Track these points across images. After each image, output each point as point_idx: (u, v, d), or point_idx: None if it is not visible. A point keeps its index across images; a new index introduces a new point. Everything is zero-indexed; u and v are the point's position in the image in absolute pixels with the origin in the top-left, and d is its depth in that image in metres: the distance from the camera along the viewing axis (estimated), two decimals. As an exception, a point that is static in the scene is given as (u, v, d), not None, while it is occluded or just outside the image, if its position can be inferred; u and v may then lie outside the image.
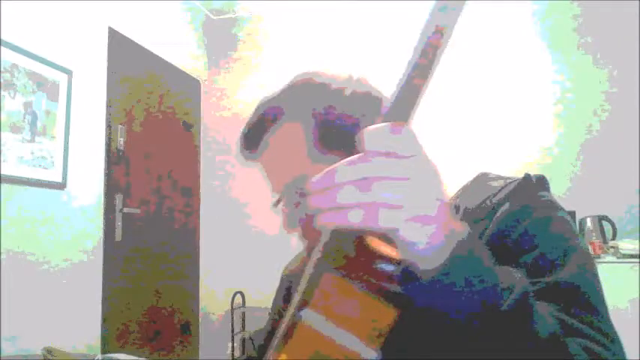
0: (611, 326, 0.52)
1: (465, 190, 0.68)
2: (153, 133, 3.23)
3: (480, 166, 0.78)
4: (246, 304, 3.50)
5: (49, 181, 2.37)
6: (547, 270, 0.54)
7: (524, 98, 3.20)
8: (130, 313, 2.92)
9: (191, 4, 3.73)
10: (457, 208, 0.64)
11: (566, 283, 0.53)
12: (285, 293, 0.88)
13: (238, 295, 3.47)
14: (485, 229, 0.59)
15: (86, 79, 2.64)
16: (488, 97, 3.22)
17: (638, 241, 2.58)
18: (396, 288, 0.45)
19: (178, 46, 3.56)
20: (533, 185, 0.61)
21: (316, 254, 0.49)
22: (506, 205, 0.59)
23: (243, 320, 3.51)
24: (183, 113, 3.60)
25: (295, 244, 0.70)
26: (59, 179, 2.43)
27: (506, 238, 0.57)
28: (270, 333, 0.90)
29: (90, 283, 2.62)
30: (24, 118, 2.24)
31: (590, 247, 2.27)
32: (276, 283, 0.95)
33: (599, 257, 2.61)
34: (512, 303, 0.42)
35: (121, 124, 2.90)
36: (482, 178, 0.67)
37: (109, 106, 2.81)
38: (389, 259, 0.47)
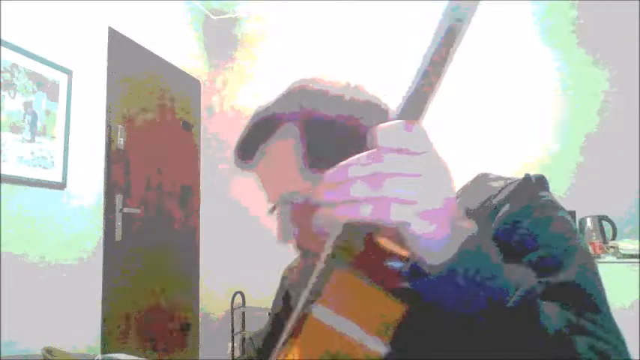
0: (614, 325, 0.53)
1: (465, 191, 0.68)
2: (153, 133, 3.23)
3: (480, 166, 0.78)
4: (246, 304, 3.50)
5: (49, 181, 2.37)
6: (549, 270, 0.54)
7: (524, 98, 3.20)
8: (130, 313, 2.92)
9: (191, 4, 3.73)
10: None
11: (569, 283, 0.53)
12: (285, 294, 0.88)
13: (238, 295, 3.47)
14: (487, 229, 0.59)
15: (86, 79, 2.64)
16: (488, 97, 3.22)
17: (638, 241, 2.58)
18: (404, 284, 0.46)
19: (178, 46, 3.56)
20: (533, 185, 0.61)
21: (327, 250, 0.50)
22: (507, 206, 0.59)
23: (243, 320, 3.51)
24: (183, 113, 3.60)
25: (295, 244, 0.70)
26: (59, 179, 2.43)
27: (508, 239, 0.57)
28: (271, 334, 0.90)
29: (90, 283, 2.62)
30: (24, 118, 2.24)
31: (590, 247, 2.27)
32: (276, 283, 0.95)
33: (599, 257, 2.61)
34: (518, 300, 0.43)
35: (120, 124, 2.90)
36: (483, 179, 0.67)
37: (108, 106, 2.81)
38: (398, 256, 0.48)
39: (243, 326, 3.51)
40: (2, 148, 2.12)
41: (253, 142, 0.66)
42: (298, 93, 0.66)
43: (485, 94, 3.22)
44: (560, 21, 3.20)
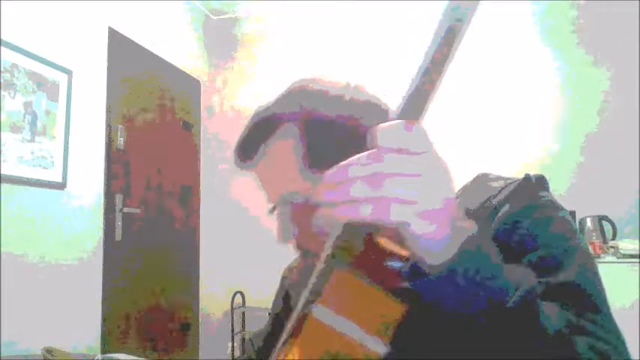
0: (614, 325, 0.53)
1: (465, 191, 0.68)
2: (153, 133, 3.23)
3: (480, 166, 0.78)
4: (246, 304, 3.50)
5: (49, 181, 2.36)
6: (549, 270, 0.54)
7: (524, 98, 3.20)
8: (130, 313, 2.92)
9: (191, 4, 3.73)
10: None
11: (569, 283, 0.53)
12: (285, 294, 0.88)
13: (238, 295, 3.47)
14: (487, 229, 0.59)
15: (86, 79, 2.64)
16: (488, 97, 3.22)
17: (638, 241, 2.58)
18: (404, 284, 0.46)
19: (178, 46, 3.56)
20: (533, 185, 0.61)
21: (327, 250, 0.50)
22: (507, 206, 0.59)
23: (243, 320, 3.51)
24: (183, 113, 3.60)
25: (296, 244, 0.70)
26: (59, 179, 2.43)
27: (508, 239, 0.57)
28: (271, 334, 0.90)
29: (90, 283, 2.62)
30: (24, 118, 2.24)
31: (590, 247, 2.27)
32: (276, 283, 0.95)
33: (599, 257, 2.61)
34: (518, 300, 0.43)
35: (121, 124, 2.90)
36: (482, 179, 0.67)
37: (108, 105, 2.81)
38: (398, 256, 0.48)
39: (243, 326, 3.51)
40: (2, 148, 2.12)
41: (253, 142, 0.66)
42: (298, 93, 0.66)
43: (485, 94, 3.22)
44: (560, 21, 3.20)
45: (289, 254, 0.93)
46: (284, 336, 0.54)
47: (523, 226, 0.57)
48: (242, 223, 3.54)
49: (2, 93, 2.13)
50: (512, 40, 3.23)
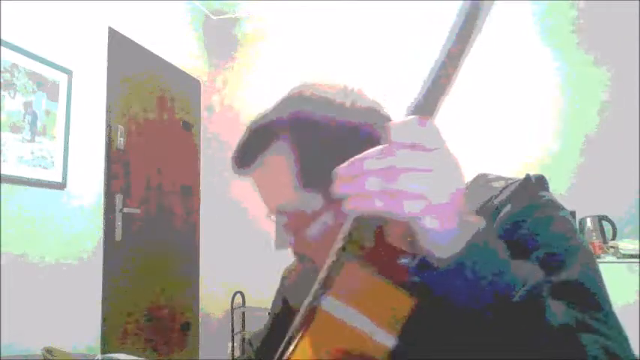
0: (617, 322, 0.54)
1: (466, 191, 0.68)
2: (153, 133, 3.23)
3: (480, 166, 0.78)
4: (246, 304, 3.50)
5: (49, 181, 2.36)
6: (552, 269, 0.54)
7: (524, 98, 3.20)
8: (130, 313, 2.92)
9: (191, 4, 3.73)
10: None
11: (572, 282, 0.54)
12: (285, 296, 0.88)
13: (238, 295, 3.47)
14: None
15: (86, 79, 2.64)
16: (488, 97, 3.22)
17: (638, 241, 2.58)
18: (413, 277, 0.47)
19: (178, 46, 3.56)
20: (534, 185, 0.62)
21: (338, 243, 0.51)
22: (509, 206, 0.60)
23: (243, 320, 3.51)
24: (183, 113, 3.60)
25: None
26: (59, 179, 2.43)
27: (510, 238, 0.57)
28: (270, 334, 0.90)
29: (90, 283, 2.61)
30: (24, 118, 2.24)
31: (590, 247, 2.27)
32: (276, 284, 0.95)
33: (599, 257, 2.61)
34: (524, 295, 0.44)
35: (121, 124, 2.90)
36: (483, 179, 0.67)
37: (108, 105, 2.81)
38: (407, 250, 0.49)
39: (243, 326, 3.51)
40: (2, 148, 2.12)
41: (250, 152, 0.67)
42: (295, 104, 0.65)
43: (485, 94, 3.22)
44: (560, 21, 3.20)
45: (289, 255, 0.93)
46: (291, 329, 0.54)
47: (525, 226, 0.58)
48: (242, 223, 3.54)
49: (2, 93, 2.13)
50: (512, 40, 3.23)
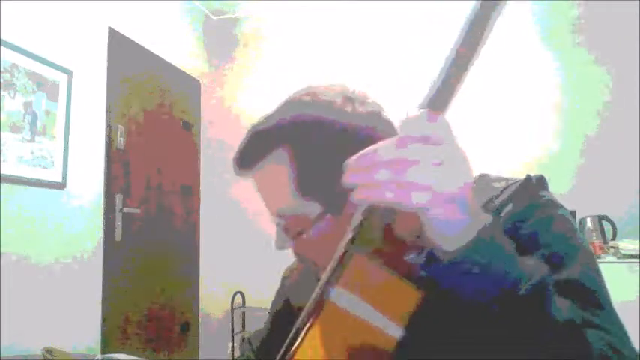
0: (619, 319, 0.54)
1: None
2: (153, 133, 3.23)
3: (480, 167, 0.78)
4: (246, 304, 3.50)
5: (49, 181, 2.36)
6: (553, 268, 0.55)
7: (524, 98, 3.20)
8: (130, 313, 2.92)
9: (191, 4, 3.73)
10: None
11: (573, 281, 0.54)
12: (286, 296, 0.88)
13: (238, 295, 3.47)
14: None
15: (86, 79, 2.64)
16: (488, 98, 3.22)
17: (638, 241, 2.58)
18: (420, 270, 0.48)
19: (178, 46, 3.56)
20: (534, 185, 0.63)
21: (347, 235, 0.51)
22: (510, 206, 0.60)
23: (243, 320, 3.51)
24: (183, 113, 3.60)
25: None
26: (59, 179, 2.43)
27: (511, 238, 0.58)
28: (269, 333, 0.90)
29: (90, 283, 2.62)
30: (24, 118, 2.24)
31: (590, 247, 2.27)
32: (276, 284, 0.95)
33: (599, 257, 2.61)
34: (529, 289, 0.44)
35: (121, 124, 2.90)
36: (483, 179, 0.67)
37: (108, 105, 2.81)
38: (415, 242, 0.49)
39: (243, 326, 3.51)
40: (2, 148, 2.12)
41: (250, 156, 0.67)
42: (294, 116, 0.65)
43: (485, 94, 3.22)
44: (560, 21, 3.20)
45: (289, 255, 0.93)
46: (299, 320, 0.55)
47: (525, 226, 0.58)
48: (242, 223, 3.54)
49: (2, 93, 2.13)
50: (512, 40, 3.23)
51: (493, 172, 0.69)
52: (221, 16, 3.93)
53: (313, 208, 0.63)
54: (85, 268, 2.57)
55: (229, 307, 3.46)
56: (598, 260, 2.51)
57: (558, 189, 0.82)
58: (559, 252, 0.56)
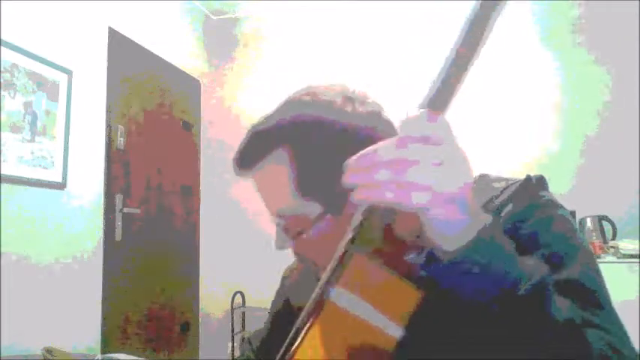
0: (619, 319, 0.54)
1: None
2: (153, 133, 3.23)
3: (480, 167, 0.78)
4: (246, 304, 3.50)
5: (49, 181, 2.36)
6: (552, 268, 0.55)
7: (524, 98, 3.20)
8: (130, 313, 2.92)
9: (191, 4, 3.73)
10: None
11: (573, 281, 0.54)
12: (286, 296, 0.88)
13: (238, 295, 3.47)
14: None
15: (86, 79, 2.64)
16: (488, 98, 3.22)
17: (638, 241, 2.58)
18: (420, 270, 0.48)
19: (178, 46, 3.56)
20: (534, 185, 0.63)
21: (347, 235, 0.51)
22: (510, 206, 0.60)
23: (243, 320, 3.51)
24: (183, 113, 3.60)
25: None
26: (59, 179, 2.43)
27: (511, 238, 0.58)
28: (269, 333, 0.90)
29: (90, 283, 2.62)
30: (24, 118, 2.24)
31: (590, 246, 2.27)
32: (276, 284, 0.95)
33: (599, 257, 2.61)
34: (529, 288, 0.44)
35: (121, 124, 2.90)
36: (483, 179, 0.68)
37: (108, 105, 2.81)
38: (415, 243, 0.49)
39: (243, 326, 3.51)
40: (2, 148, 2.12)
41: (250, 156, 0.67)
42: (294, 116, 0.65)
43: (485, 94, 3.22)
44: (560, 21, 3.20)
45: (289, 255, 0.93)
46: (299, 320, 0.55)
47: (525, 226, 0.58)
48: (242, 223, 3.54)
49: (2, 93, 2.13)
50: (512, 40, 3.23)
51: (493, 172, 0.69)
52: (221, 16, 3.93)
53: (313, 208, 0.63)
54: (85, 268, 2.57)
55: (229, 307, 3.46)
56: (598, 260, 2.51)
57: (558, 189, 0.82)
58: (559, 252, 0.57)
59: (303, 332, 0.50)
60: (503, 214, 0.60)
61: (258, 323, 1.01)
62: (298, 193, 0.63)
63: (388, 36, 3.45)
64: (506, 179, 0.65)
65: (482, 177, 0.68)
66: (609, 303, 0.55)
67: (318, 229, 0.63)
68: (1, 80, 2.12)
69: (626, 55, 3.02)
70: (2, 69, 2.13)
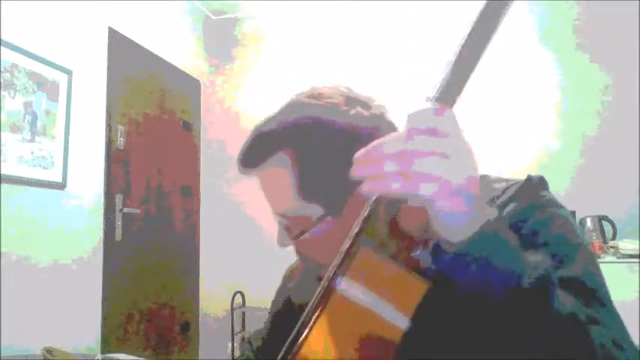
0: (619, 317, 0.55)
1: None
2: (153, 133, 3.23)
3: (480, 167, 0.78)
4: (246, 304, 3.50)
5: (49, 181, 2.36)
6: (554, 267, 0.55)
7: (524, 98, 3.20)
8: (130, 313, 2.92)
9: (191, 4, 3.73)
10: None
11: (574, 279, 0.55)
12: (288, 295, 0.88)
13: (238, 295, 3.47)
14: None
15: (86, 79, 2.64)
16: (488, 98, 3.22)
17: (638, 241, 2.58)
18: (426, 262, 0.49)
19: (178, 46, 3.56)
20: (535, 186, 0.63)
21: (354, 228, 0.52)
22: (511, 206, 0.61)
23: (243, 320, 3.51)
24: (183, 113, 3.60)
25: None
26: (59, 179, 2.43)
27: None
28: (270, 333, 0.90)
29: (90, 283, 2.61)
30: (24, 118, 2.24)
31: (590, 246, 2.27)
32: (276, 284, 0.95)
33: (599, 257, 2.61)
34: (533, 282, 0.45)
35: (121, 124, 2.90)
36: (484, 180, 0.68)
37: (108, 105, 2.81)
38: (421, 234, 0.50)
39: (243, 326, 3.51)
40: (2, 148, 2.12)
41: (253, 157, 0.67)
42: (297, 119, 0.65)
43: (485, 94, 3.22)
44: (560, 21, 3.20)
45: (290, 254, 0.93)
46: (306, 312, 0.55)
47: (526, 226, 0.59)
48: (242, 223, 3.54)
49: (2, 93, 2.13)
50: (512, 40, 3.23)
51: (493, 173, 0.69)
52: (221, 16, 3.93)
53: (314, 210, 0.63)
54: (85, 268, 2.57)
55: (229, 307, 3.46)
56: (598, 260, 2.52)
57: (558, 189, 0.82)
58: (560, 251, 0.57)
59: (312, 322, 0.50)
60: (504, 214, 0.60)
61: (258, 323, 1.01)
62: (300, 195, 0.64)
63: (388, 36, 3.45)
64: (507, 180, 0.66)
65: (483, 178, 0.68)
66: (610, 301, 0.56)
67: (319, 230, 0.63)
68: (1, 80, 2.12)
69: (626, 55, 3.02)
70: (2, 69, 2.13)
